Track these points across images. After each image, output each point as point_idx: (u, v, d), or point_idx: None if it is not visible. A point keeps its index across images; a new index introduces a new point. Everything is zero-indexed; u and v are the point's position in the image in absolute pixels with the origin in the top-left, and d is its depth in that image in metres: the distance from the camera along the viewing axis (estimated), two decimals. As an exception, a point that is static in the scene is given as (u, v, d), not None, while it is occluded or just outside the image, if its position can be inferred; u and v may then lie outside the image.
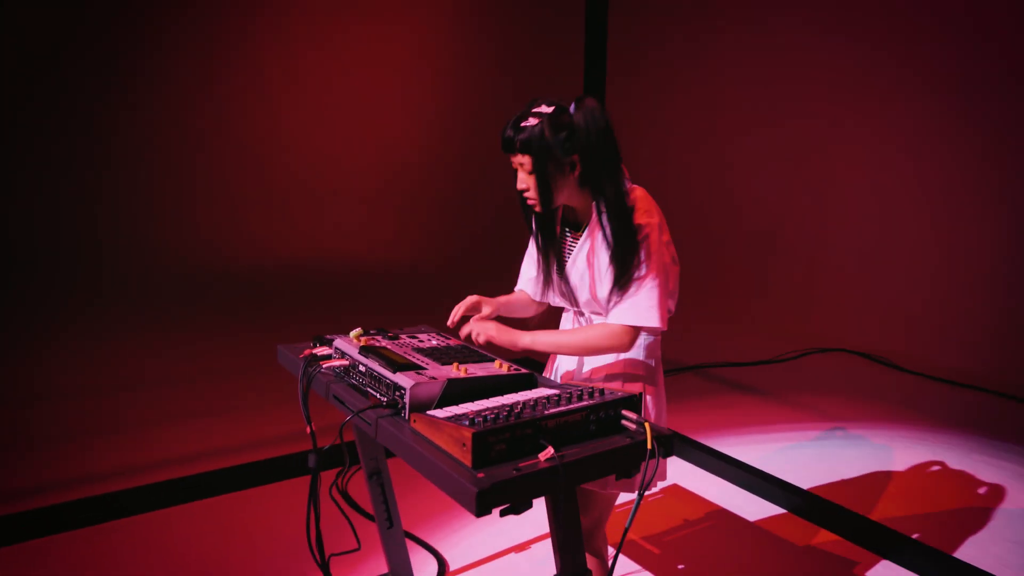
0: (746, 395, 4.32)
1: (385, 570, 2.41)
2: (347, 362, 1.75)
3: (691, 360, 4.89)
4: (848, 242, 5.70)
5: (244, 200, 7.26)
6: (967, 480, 3.24)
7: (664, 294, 1.69)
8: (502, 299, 1.93)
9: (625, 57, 6.61)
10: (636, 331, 1.69)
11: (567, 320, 1.97)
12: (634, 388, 1.83)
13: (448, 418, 1.40)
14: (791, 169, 6.12)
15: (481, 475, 1.27)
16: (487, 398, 1.57)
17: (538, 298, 1.95)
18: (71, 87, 6.57)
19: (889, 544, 2.65)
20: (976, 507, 3.01)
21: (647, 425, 1.43)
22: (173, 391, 4.19)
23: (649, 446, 1.40)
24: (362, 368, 1.69)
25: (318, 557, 1.91)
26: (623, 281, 1.68)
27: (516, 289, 2.02)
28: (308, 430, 1.82)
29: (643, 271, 1.67)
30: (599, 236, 1.74)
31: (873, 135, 5.48)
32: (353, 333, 1.85)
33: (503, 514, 1.32)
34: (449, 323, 1.86)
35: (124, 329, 5.43)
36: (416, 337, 1.93)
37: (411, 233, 7.80)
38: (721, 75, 6.55)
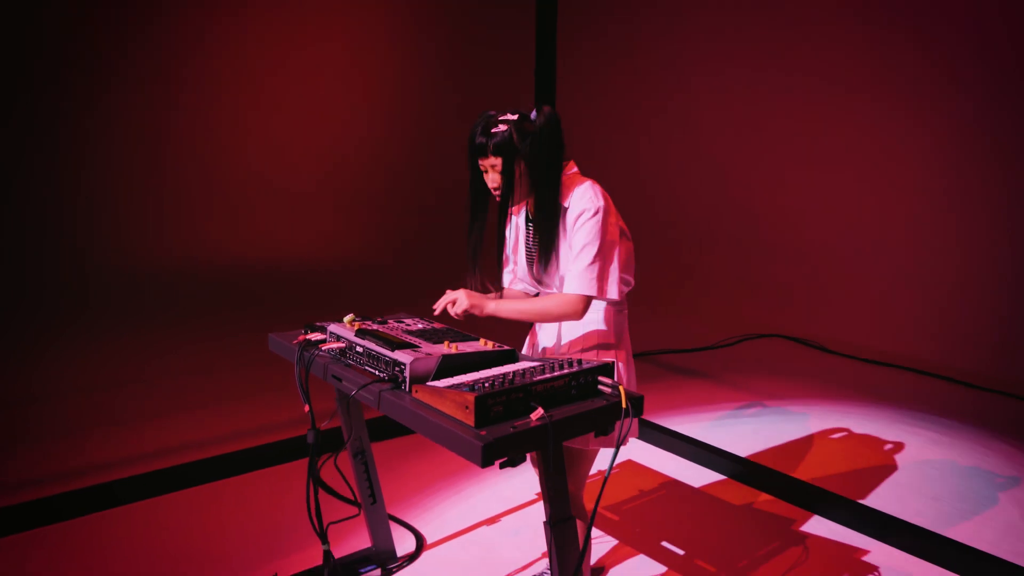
0: (690, 378, 4.62)
1: (369, 544, 2.58)
2: (343, 344, 1.92)
3: (639, 348, 5.18)
4: (781, 234, 6.10)
5: (195, 201, 7.22)
6: (886, 446, 3.60)
7: (607, 268, 1.92)
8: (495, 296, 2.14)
9: (573, 57, 6.87)
10: (586, 300, 1.92)
11: None
12: (607, 357, 2.07)
13: (449, 386, 1.59)
14: (728, 161, 6.49)
15: (483, 433, 1.47)
16: (476, 371, 1.76)
17: (515, 287, 2.17)
18: (46, 91, 6.43)
19: (818, 500, 2.95)
20: (896, 468, 3.36)
21: (621, 388, 1.65)
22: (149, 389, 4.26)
23: (624, 405, 1.62)
24: (359, 349, 1.86)
25: (317, 526, 2.07)
26: (572, 257, 1.91)
27: (504, 286, 2.22)
28: (306, 408, 1.98)
29: (589, 250, 1.90)
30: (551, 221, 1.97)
31: (808, 127, 5.88)
32: (346, 319, 2.01)
33: (502, 466, 1.52)
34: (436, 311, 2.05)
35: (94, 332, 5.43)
36: (403, 321, 2.10)
37: (354, 229, 7.89)
38: (662, 70, 6.87)
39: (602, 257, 1.91)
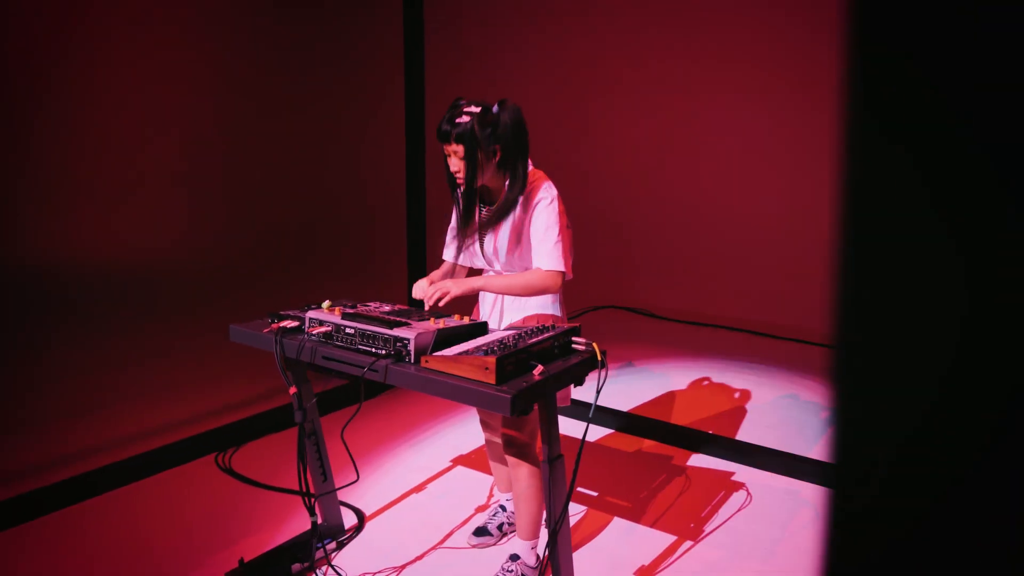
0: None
1: (318, 521, 2.70)
2: (329, 328, 2.06)
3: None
4: (613, 212, 6.75)
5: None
6: (729, 390, 4.29)
7: (567, 250, 2.25)
8: (441, 273, 2.37)
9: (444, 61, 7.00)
10: (561, 275, 2.23)
11: None
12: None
13: (459, 353, 1.82)
14: (561, 142, 7.04)
15: (504, 388, 1.73)
16: (467, 341, 2.01)
17: (461, 262, 2.43)
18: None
19: (692, 439, 3.51)
20: (743, 406, 4.03)
21: (595, 345, 1.98)
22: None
23: (599, 358, 1.95)
24: (349, 331, 2.02)
25: (309, 501, 2.19)
26: (540, 240, 2.22)
27: (445, 258, 2.46)
28: (292, 391, 2.10)
29: (552, 231, 2.22)
30: (510, 209, 2.25)
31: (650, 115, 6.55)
32: (325, 305, 2.15)
33: (519, 414, 1.77)
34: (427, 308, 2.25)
35: None
36: (368, 305, 2.27)
37: (207, 229, 7.48)
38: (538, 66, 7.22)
39: (562, 239, 2.22)
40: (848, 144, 0.51)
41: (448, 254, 2.46)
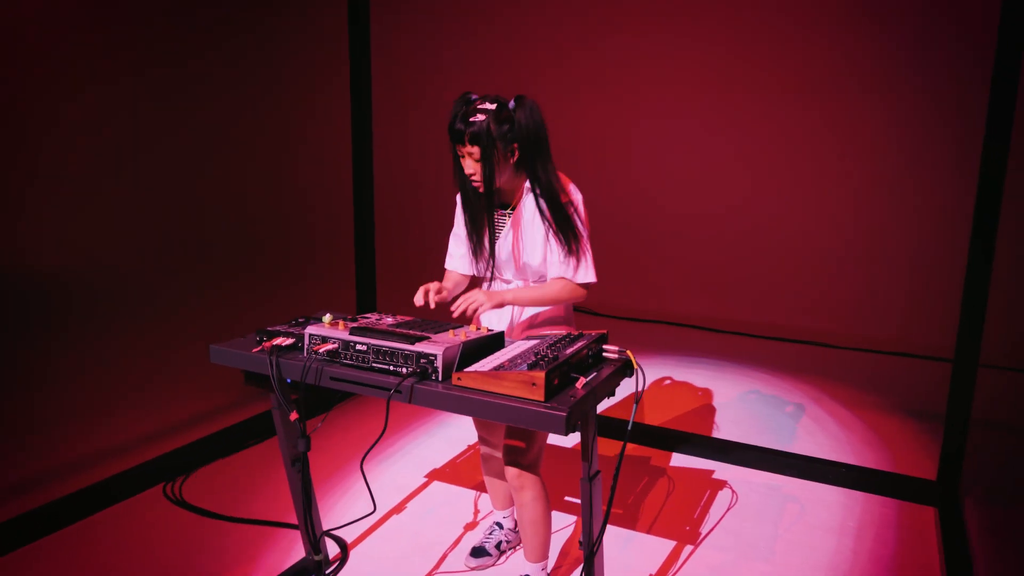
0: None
1: (303, 555, 2.46)
2: (335, 345, 1.86)
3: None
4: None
5: None
6: (692, 388, 4.29)
7: (590, 257, 2.14)
8: (452, 284, 2.20)
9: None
10: (587, 286, 2.12)
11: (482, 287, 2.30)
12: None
13: (498, 367, 1.67)
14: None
15: (553, 404, 1.59)
16: (491, 354, 1.85)
17: (470, 272, 2.26)
18: None
19: (673, 440, 3.47)
20: (709, 403, 4.04)
21: (629, 353, 1.87)
22: None
23: (636, 367, 1.84)
24: (361, 347, 1.82)
25: (312, 534, 1.97)
26: (566, 247, 2.09)
27: (447, 269, 2.28)
28: (294, 416, 1.88)
29: (580, 238, 2.10)
30: (529, 212, 2.11)
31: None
32: (326, 319, 1.94)
33: (570, 432, 1.64)
34: (424, 305, 2.07)
35: None
36: (368, 317, 2.07)
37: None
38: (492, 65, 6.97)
39: (588, 246, 2.10)
40: None
41: (454, 264, 2.29)
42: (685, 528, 2.79)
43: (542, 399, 1.60)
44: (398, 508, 2.92)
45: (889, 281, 5.50)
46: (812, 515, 2.90)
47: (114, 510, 2.86)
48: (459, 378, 1.70)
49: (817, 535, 2.75)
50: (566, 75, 6.40)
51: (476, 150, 1.99)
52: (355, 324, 1.94)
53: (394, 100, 6.69)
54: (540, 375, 1.59)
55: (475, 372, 1.68)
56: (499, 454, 2.48)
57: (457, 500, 2.98)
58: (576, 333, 1.93)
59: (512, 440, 2.15)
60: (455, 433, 3.61)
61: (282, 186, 7.12)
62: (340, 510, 2.88)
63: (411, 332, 1.86)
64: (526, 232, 2.12)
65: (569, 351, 1.77)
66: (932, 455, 3.44)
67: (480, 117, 1.97)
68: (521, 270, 2.17)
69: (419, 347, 1.75)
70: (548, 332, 2.20)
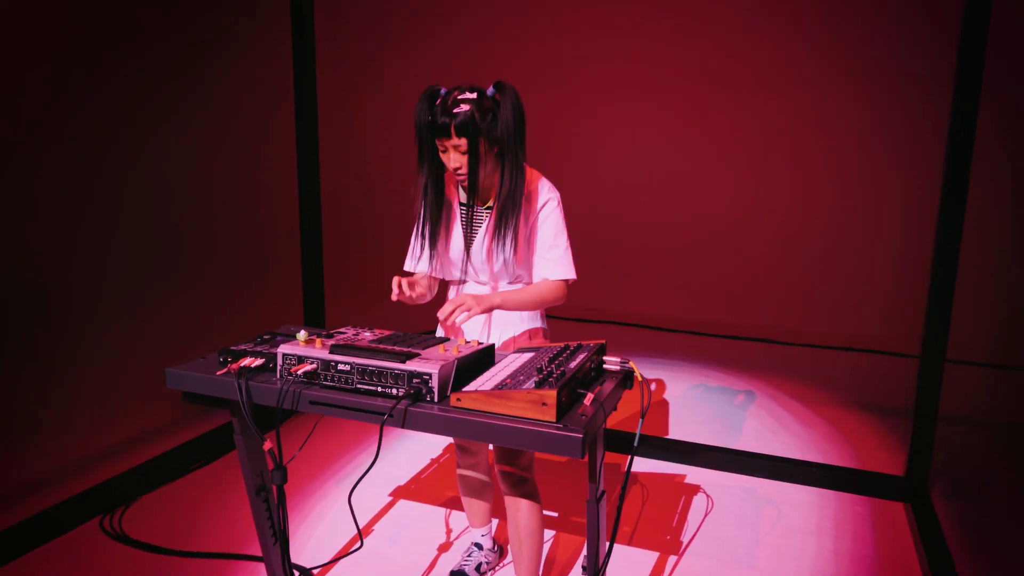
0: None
1: (268, 591, 2.26)
2: (313, 366, 1.68)
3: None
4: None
5: None
6: (652, 385, 4.24)
7: (571, 255, 2.04)
8: (418, 280, 2.05)
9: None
10: (568, 285, 2.02)
11: (452, 291, 2.17)
12: (539, 344, 2.15)
13: (500, 386, 1.53)
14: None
15: (562, 425, 1.47)
16: (483, 371, 1.72)
17: (437, 275, 2.12)
18: None
19: (641, 444, 3.39)
20: (663, 400, 3.99)
21: (631, 364, 1.76)
22: None
23: (639, 379, 1.74)
24: (343, 367, 1.65)
25: (288, 571, 1.79)
26: (546, 245, 1.98)
27: (413, 269, 2.13)
28: (267, 445, 1.70)
29: (561, 237, 2.00)
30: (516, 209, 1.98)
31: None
32: (301, 336, 1.75)
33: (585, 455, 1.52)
34: (401, 297, 1.92)
35: None
36: (344, 332, 1.90)
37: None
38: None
39: (569, 244, 2.00)
40: None
41: (419, 265, 2.14)
42: (666, 537, 2.72)
43: (554, 420, 1.48)
44: (364, 531, 2.74)
45: (839, 278, 5.60)
46: (789, 517, 2.87)
47: (44, 550, 2.58)
48: (458, 399, 1.55)
49: (798, 538, 2.72)
50: (527, 72, 6.24)
51: (463, 142, 1.86)
52: (334, 341, 1.77)
53: (343, 107, 6.43)
54: (551, 394, 1.47)
55: (476, 392, 1.54)
56: (479, 471, 2.35)
57: (427, 520, 2.82)
58: (575, 344, 1.81)
59: (505, 461, 2.03)
60: (415, 446, 3.45)
61: (226, 197, 6.75)
62: (302, 537, 2.68)
63: (399, 349, 1.70)
64: (511, 231, 2.00)
65: (573, 365, 1.65)
66: (893, 450, 3.49)
67: (464, 107, 1.84)
68: (499, 271, 2.04)
69: (411, 365, 1.60)
70: (530, 340, 2.08)
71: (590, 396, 1.58)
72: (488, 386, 1.56)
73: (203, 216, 6.54)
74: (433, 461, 3.32)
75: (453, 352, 1.69)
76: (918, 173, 5.11)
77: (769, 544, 2.68)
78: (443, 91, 1.91)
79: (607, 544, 1.75)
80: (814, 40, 5.44)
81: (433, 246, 2.06)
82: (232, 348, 1.82)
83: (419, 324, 5.25)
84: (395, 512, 2.88)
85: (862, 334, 5.24)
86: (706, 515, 2.88)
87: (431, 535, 2.71)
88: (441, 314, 1.88)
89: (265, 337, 1.95)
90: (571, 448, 1.43)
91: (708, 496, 3.03)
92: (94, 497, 2.86)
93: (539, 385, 1.51)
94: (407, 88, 6.56)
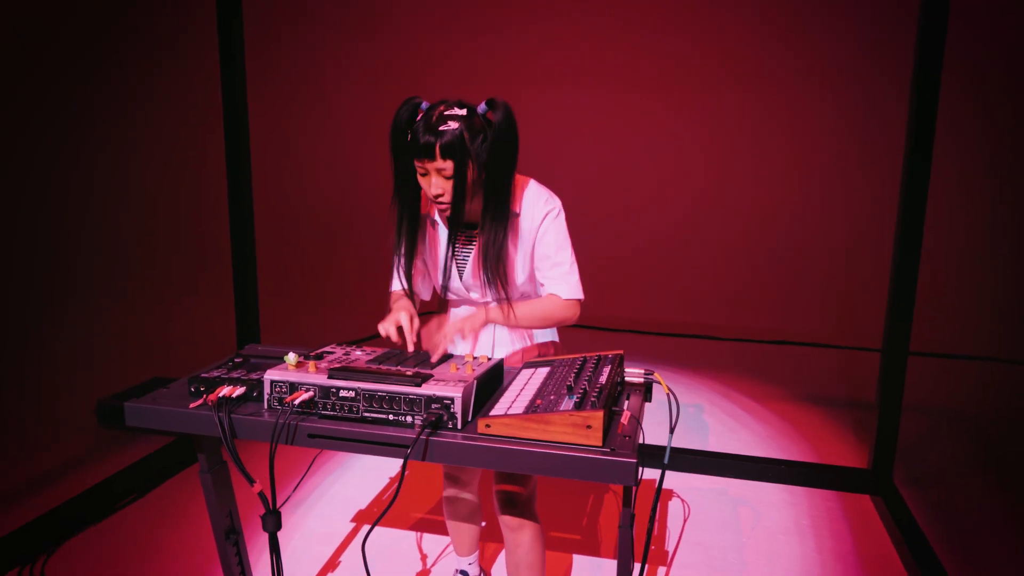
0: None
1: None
2: (311, 394, 1.47)
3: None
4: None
5: None
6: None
7: (576, 268, 1.89)
8: (408, 312, 1.84)
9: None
10: (579, 303, 1.86)
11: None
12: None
13: (535, 408, 1.38)
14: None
15: (610, 449, 1.33)
16: (492, 391, 1.57)
17: (426, 296, 1.95)
18: None
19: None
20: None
21: (657, 375, 1.64)
22: None
23: (667, 391, 1.62)
24: (346, 392, 1.45)
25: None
26: (549, 260, 1.83)
27: (399, 290, 1.94)
28: (257, 489, 1.47)
29: (566, 251, 1.84)
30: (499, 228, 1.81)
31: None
32: (291, 360, 1.53)
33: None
34: (411, 347, 1.74)
35: None
36: (333, 352, 1.69)
37: None
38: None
39: (574, 257, 1.85)
40: None
41: (401, 285, 1.95)
42: (651, 548, 2.62)
43: (600, 443, 1.33)
44: (332, 563, 2.51)
45: (771, 274, 5.71)
46: (767, 518, 2.84)
47: None
48: (488, 425, 1.38)
49: (780, 540, 2.69)
50: (479, 72, 6.04)
51: (449, 165, 1.64)
52: (327, 363, 1.56)
53: (273, 113, 6.02)
54: (597, 415, 1.32)
55: (508, 417, 1.37)
56: (469, 495, 2.17)
57: (398, 547, 2.62)
58: (595, 357, 1.68)
59: (505, 483, 1.86)
60: (370, 462, 3.23)
61: (156, 210, 6.21)
62: (263, 572, 2.42)
63: (411, 370, 1.51)
64: (508, 248, 1.84)
65: (603, 380, 1.51)
66: (848, 442, 3.55)
67: (453, 124, 1.62)
68: (492, 289, 1.88)
69: (429, 388, 1.41)
70: (538, 353, 1.94)
71: (627, 414, 1.46)
72: (519, 408, 1.40)
73: (125, 232, 5.99)
74: (392, 480, 3.11)
75: (467, 371, 1.52)
76: (881, 170, 5.22)
77: (754, 548, 2.63)
78: (424, 105, 1.70)
79: (639, 568, 1.62)
80: (781, 38, 5.48)
81: (410, 278, 1.86)
82: (203, 375, 1.58)
83: (365, 332, 5.00)
84: (361, 540, 2.66)
85: (802, 330, 5.36)
86: (685, 520, 2.81)
87: (406, 564, 2.51)
88: (433, 347, 1.70)
89: (237, 360, 1.71)
90: (624, 475, 1.30)
91: (683, 500, 2.96)
92: (10, 545, 2.50)
93: (579, 406, 1.36)
94: (340, 93, 6.29)
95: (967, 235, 5.30)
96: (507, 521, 1.90)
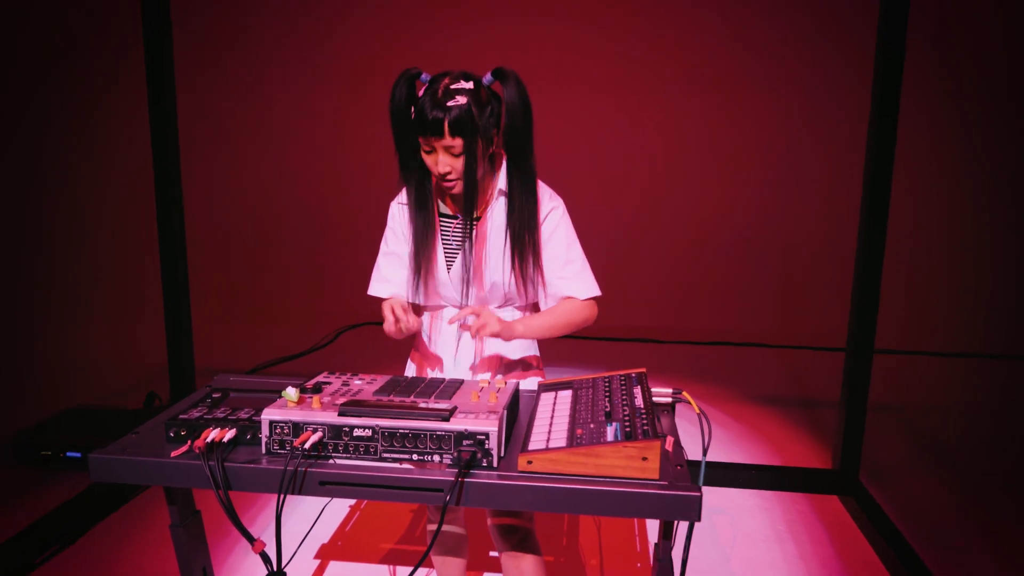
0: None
1: None
2: (320, 435, 1.28)
3: (249, 365, 4.59)
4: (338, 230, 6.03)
5: None
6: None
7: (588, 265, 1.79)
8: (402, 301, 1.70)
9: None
10: (596, 299, 1.77)
11: (425, 318, 1.85)
12: (534, 374, 1.88)
13: (579, 442, 1.25)
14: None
15: (667, 482, 1.22)
16: (514, 420, 1.44)
17: (412, 299, 1.78)
18: None
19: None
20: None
21: (685, 394, 1.54)
22: None
23: (697, 411, 1.52)
24: (362, 432, 1.27)
25: None
26: (560, 259, 1.73)
27: (388, 295, 1.77)
28: (258, 547, 1.28)
29: (576, 248, 1.76)
30: (500, 221, 1.69)
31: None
32: (289, 395, 1.34)
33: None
34: (389, 327, 1.64)
35: None
36: (330, 382, 1.50)
37: None
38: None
39: (584, 256, 1.75)
40: None
41: (390, 289, 1.79)
42: (636, 565, 2.54)
43: (656, 476, 1.22)
44: (300, 607, 2.30)
45: (728, 272, 5.72)
46: (745, 525, 2.81)
47: None
48: (529, 461, 1.24)
49: (762, 547, 2.66)
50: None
51: (458, 142, 1.53)
52: (330, 397, 1.37)
53: (203, 111, 5.58)
54: (654, 446, 1.21)
55: (553, 451, 1.23)
56: (456, 527, 2.02)
57: (372, 583, 2.43)
58: (619, 376, 1.56)
59: (505, 517, 1.72)
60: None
61: (85, 221, 5.63)
62: (225, 629, 2.18)
63: (431, 404, 1.34)
64: (495, 246, 1.71)
65: (639, 402, 1.39)
66: (806, 442, 3.58)
67: (461, 99, 1.51)
68: (487, 295, 1.74)
69: (459, 423, 1.26)
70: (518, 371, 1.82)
71: (671, 439, 1.34)
72: (559, 441, 1.27)
73: (34, 246, 5.41)
74: (353, 509, 2.90)
75: (491, 399, 1.37)
76: (845, 172, 5.26)
77: (739, 558, 2.59)
78: (425, 77, 1.57)
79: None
80: (744, 41, 5.46)
81: (418, 269, 1.71)
82: (182, 417, 1.37)
83: (298, 345, 4.70)
84: (329, 578, 2.45)
85: (736, 329, 5.43)
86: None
87: (384, 599, 2.33)
88: (460, 322, 1.61)
89: (215, 396, 1.50)
90: (687, 510, 1.19)
91: (658, 512, 2.89)
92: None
93: (630, 436, 1.24)
94: (270, 84, 5.92)
95: (919, 233, 5.38)
96: (508, 556, 1.77)
